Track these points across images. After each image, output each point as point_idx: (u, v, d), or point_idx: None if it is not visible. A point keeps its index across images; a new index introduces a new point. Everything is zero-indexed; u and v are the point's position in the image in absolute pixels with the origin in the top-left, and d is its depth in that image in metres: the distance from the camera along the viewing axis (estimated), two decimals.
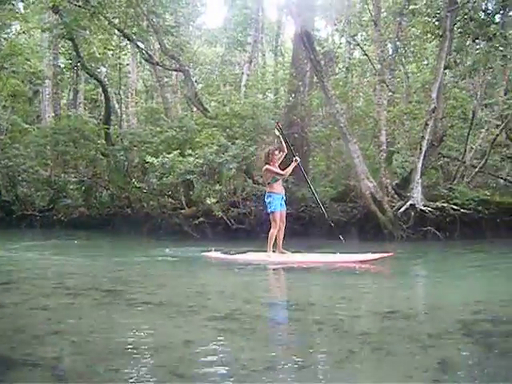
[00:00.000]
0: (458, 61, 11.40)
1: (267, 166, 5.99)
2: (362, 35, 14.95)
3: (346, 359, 2.24)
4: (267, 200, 6.02)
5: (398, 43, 12.04)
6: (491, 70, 12.62)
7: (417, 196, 9.10)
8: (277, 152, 6.10)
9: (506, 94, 13.01)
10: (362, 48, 13.23)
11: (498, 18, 12.89)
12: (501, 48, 11.62)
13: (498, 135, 11.41)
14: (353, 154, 9.17)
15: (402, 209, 9.04)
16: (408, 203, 9.02)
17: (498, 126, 11.58)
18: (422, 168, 9.24)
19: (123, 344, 2.58)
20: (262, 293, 4.37)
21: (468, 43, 11.12)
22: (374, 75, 11.73)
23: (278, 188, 6.02)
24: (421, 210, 9.03)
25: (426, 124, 9.34)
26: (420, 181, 9.27)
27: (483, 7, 11.21)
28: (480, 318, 3.03)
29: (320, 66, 9.58)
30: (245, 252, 6.29)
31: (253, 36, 16.61)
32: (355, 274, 5.24)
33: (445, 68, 10.00)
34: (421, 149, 9.35)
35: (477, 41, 11.01)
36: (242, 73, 16.47)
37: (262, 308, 3.64)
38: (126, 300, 3.74)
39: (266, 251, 5.99)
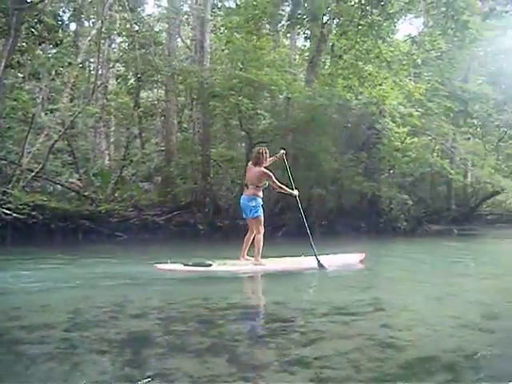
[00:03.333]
0: (23, 62, 17.17)
1: (267, 172, 8.59)
2: None
3: None
4: (251, 203, 8.58)
5: None
6: (59, 75, 19.75)
7: None
8: (267, 152, 8.84)
9: (71, 101, 20.54)
10: None
11: (73, 26, 20.38)
12: (73, 55, 18.87)
13: (56, 140, 18.29)
14: None
15: None
16: None
17: (60, 131, 18.45)
18: None
19: None
20: None
21: (35, 45, 17.13)
22: None
23: (261, 193, 8.74)
24: None
25: None
26: None
27: (59, 12, 17.77)
28: (14, 326, 4.60)
29: None
30: (210, 265, 8.36)
31: None
32: None
33: (7, 67, 14.52)
34: None
35: (43, 45, 17.30)
36: None
37: None
38: None
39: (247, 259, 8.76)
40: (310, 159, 18.81)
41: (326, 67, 21.22)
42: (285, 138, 18.77)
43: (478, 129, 28.40)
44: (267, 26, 21.46)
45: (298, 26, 21.01)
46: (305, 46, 22.87)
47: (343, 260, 9.69)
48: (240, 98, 17.01)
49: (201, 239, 16.65)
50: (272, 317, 5.38)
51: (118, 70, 22.25)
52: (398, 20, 22.51)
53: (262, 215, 8.75)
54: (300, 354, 3.91)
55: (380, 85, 19.04)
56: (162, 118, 21.28)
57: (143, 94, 22.46)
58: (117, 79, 22.53)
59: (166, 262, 8.35)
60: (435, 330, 4.80)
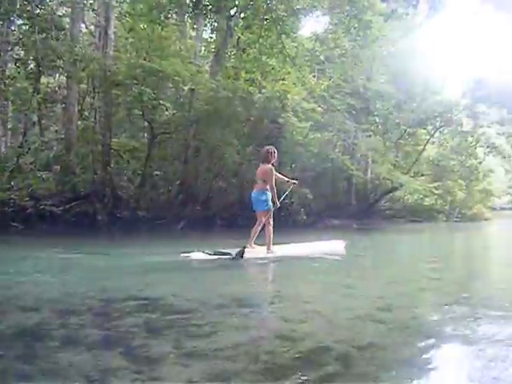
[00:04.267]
0: None
1: (272, 169, 9.81)
2: None
3: None
4: (262, 197, 9.77)
5: None
6: None
7: None
8: (276, 151, 10.12)
9: None
10: None
11: None
12: None
13: None
14: None
15: None
16: None
17: None
18: None
19: None
20: None
21: None
22: None
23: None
24: None
25: None
26: None
27: None
28: None
29: None
30: (230, 253, 9.30)
31: None
32: None
33: None
34: None
35: None
36: None
37: None
38: None
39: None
40: (213, 152, 19.19)
41: (232, 60, 21.53)
42: (187, 129, 18.95)
43: (379, 126, 29.69)
44: (174, 15, 21.52)
45: (206, 18, 21.15)
46: (211, 37, 23.10)
47: (330, 247, 11.12)
48: (143, 88, 17.04)
49: (100, 230, 16.63)
50: (170, 308, 5.38)
51: (17, 54, 21.61)
52: (305, 16, 23.19)
53: (271, 208, 9.84)
54: (196, 347, 3.92)
55: (283, 80, 19.57)
56: (63, 105, 20.95)
57: (43, 80, 21.97)
58: (15, 63, 21.90)
59: (193, 251, 9.27)
60: (330, 322, 4.96)
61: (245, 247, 9.49)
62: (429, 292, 7.12)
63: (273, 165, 10.00)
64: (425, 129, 33.07)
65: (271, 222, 9.93)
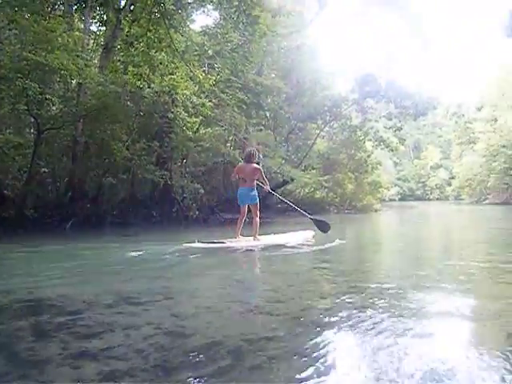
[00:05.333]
0: None
1: (260, 167, 11.63)
2: None
3: None
4: (252, 193, 11.52)
5: None
6: None
7: None
8: (258, 152, 12.14)
9: None
10: None
11: None
12: None
13: None
14: None
15: None
16: None
17: None
18: None
19: None
20: None
21: None
22: None
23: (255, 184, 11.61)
24: None
25: None
26: None
27: None
28: None
29: None
30: (223, 242, 10.84)
31: None
32: None
33: None
34: None
35: None
36: None
37: None
38: None
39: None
40: (102, 147, 19.24)
41: (121, 54, 21.56)
42: (75, 124, 18.89)
43: (270, 121, 30.65)
44: (61, 7, 21.29)
45: (94, 10, 21.06)
46: (100, 30, 22.99)
47: (302, 236, 13.14)
48: (28, 82, 16.77)
49: None
50: (57, 310, 5.32)
51: None
52: (196, 11, 23.63)
53: (258, 202, 11.73)
54: (85, 347, 3.94)
55: (171, 74, 19.89)
56: None
57: None
58: None
59: (194, 241, 10.46)
60: (221, 316, 5.12)
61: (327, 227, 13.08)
62: (319, 283, 7.33)
63: (257, 163, 11.92)
64: (315, 123, 34.35)
65: (258, 214, 11.69)
